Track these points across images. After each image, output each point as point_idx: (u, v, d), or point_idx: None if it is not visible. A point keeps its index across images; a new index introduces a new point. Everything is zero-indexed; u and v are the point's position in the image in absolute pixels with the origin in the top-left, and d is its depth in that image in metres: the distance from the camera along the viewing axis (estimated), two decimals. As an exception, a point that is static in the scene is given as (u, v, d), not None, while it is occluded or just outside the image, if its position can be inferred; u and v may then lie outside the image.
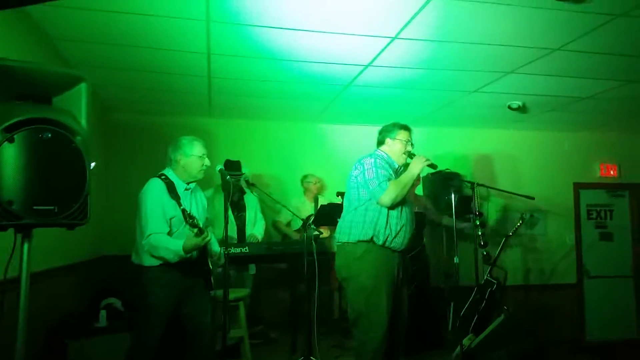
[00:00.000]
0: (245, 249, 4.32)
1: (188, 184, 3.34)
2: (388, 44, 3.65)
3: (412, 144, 3.50)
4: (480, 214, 4.69)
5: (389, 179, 3.25)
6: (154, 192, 3.19)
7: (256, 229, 5.15)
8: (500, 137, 6.72)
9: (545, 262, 6.74)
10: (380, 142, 3.52)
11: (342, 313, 5.62)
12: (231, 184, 3.24)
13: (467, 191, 5.33)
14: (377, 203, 3.22)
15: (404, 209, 3.32)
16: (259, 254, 4.42)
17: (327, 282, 5.78)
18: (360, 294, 3.17)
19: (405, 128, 3.50)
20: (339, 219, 4.94)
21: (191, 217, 3.01)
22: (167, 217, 3.17)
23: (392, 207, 3.22)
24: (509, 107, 5.38)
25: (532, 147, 6.83)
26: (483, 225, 4.75)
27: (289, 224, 5.78)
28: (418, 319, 4.73)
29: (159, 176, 3.29)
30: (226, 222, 3.20)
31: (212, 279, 3.33)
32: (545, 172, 6.80)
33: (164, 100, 5.20)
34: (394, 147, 3.45)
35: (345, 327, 5.32)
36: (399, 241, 3.27)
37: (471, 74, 4.34)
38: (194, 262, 3.22)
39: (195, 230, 3.00)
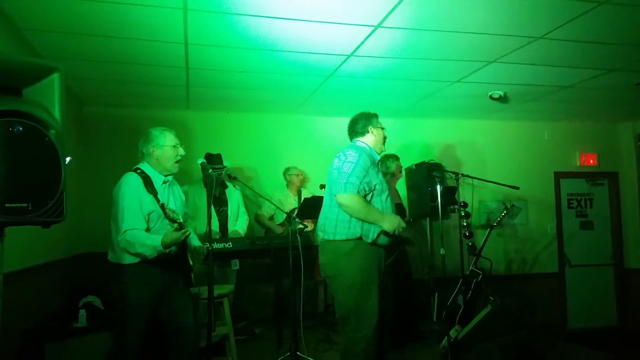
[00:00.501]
0: (229, 244, 4.22)
1: (165, 176, 3.23)
2: (371, 33, 3.58)
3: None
4: (465, 205, 4.67)
5: (358, 188, 3.08)
6: (130, 186, 3.06)
7: (238, 224, 5.05)
8: (481, 127, 6.73)
9: (527, 251, 6.79)
10: (361, 133, 3.38)
11: (327, 306, 5.58)
12: (213, 178, 3.13)
13: (450, 182, 5.31)
14: (333, 194, 3.13)
15: (387, 202, 3.24)
16: (242, 249, 4.33)
17: (311, 276, 5.74)
18: (350, 292, 3.07)
19: (377, 115, 3.45)
20: (321, 214, 4.94)
21: (171, 211, 2.93)
22: (145, 213, 3.05)
23: (382, 196, 3.16)
24: (491, 97, 5.37)
25: (512, 136, 6.86)
26: (468, 215, 4.73)
27: (271, 218, 5.70)
28: (401, 311, 4.73)
29: (135, 170, 3.17)
30: (209, 217, 3.10)
31: (192, 275, 3.22)
32: (525, 162, 6.84)
33: (140, 92, 5.06)
34: (379, 136, 3.37)
35: (331, 320, 5.29)
36: (386, 239, 3.20)
37: (454, 63, 4.30)
38: (173, 259, 3.10)
39: (175, 225, 2.89)
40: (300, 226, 4.30)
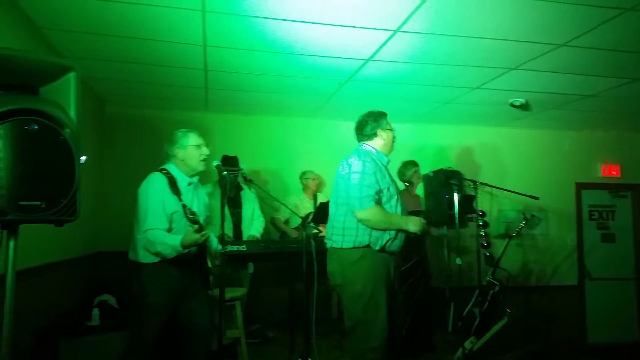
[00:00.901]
0: (243, 247, 4.21)
1: (191, 176, 3.26)
2: (390, 37, 3.55)
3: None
4: (483, 214, 4.59)
5: (374, 199, 3.00)
6: (154, 186, 3.08)
7: (254, 227, 5.04)
8: (501, 134, 6.64)
9: (546, 263, 6.66)
10: (369, 136, 3.25)
11: (340, 313, 5.52)
12: (228, 179, 3.13)
13: (468, 190, 5.23)
14: (339, 203, 3.07)
15: (398, 208, 3.14)
16: (256, 252, 4.31)
17: (324, 282, 5.69)
18: (358, 301, 2.98)
19: (386, 115, 3.31)
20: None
21: (192, 212, 2.92)
22: (168, 213, 3.06)
23: (390, 202, 3.08)
24: (512, 105, 5.30)
25: (533, 145, 6.75)
26: (486, 225, 4.65)
27: (287, 222, 5.68)
28: (418, 321, 4.65)
29: (160, 170, 3.19)
30: (222, 219, 3.09)
31: (210, 277, 3.22)
32: (546, 172, 6.72)
33: (160, 93, 5.09)
34: (387, 138, 3.24)
35: (344, 327, 5.24)
36: (397, 244, 3.13)
37: (474, 69, 4.25)
38: (192, 260, 3.11)
39: (196, 226, 2.90)
40: (315, 231, 4.26)
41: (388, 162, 3.29)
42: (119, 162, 5.46)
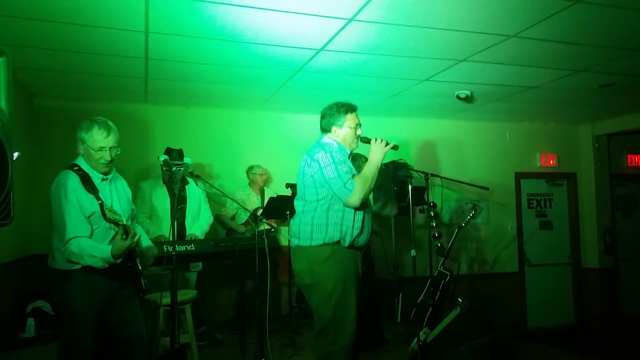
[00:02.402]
0: (191, 247, 4.00)
1: (104, 174, 2.87)
2: (344, 26, 3.44)
3: (360, 126, 3.18)
4: (434, 205, 4.61)
5: (353, 175, 2.95)
6: (67, 187, 2.70)
7: (198, 224, 4.78)
8: (445, 127, 6.74)
9: (488, 251, 6.84)
10: (325, 130, 3.16)
11: (291, 309, 5.43)
12: (177, 176, 2.91)
13: (415, 181, 5.25)
14: (344, 204, 2.93)
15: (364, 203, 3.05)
16: (206, 252, 4.12)
17: (274, 278, 5.58)
18: (328, 302, 2.88)
19: (352, 109, 3.14)
20: (287, 212, 4.77)
21: (113, 212, 2.58)
22: (86, 215, 2.71)
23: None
24: (457, 97, 5.36)
25: (474, 137, 6.89)
26: (437, 216, 4.67)
27: (233, 218, 5.51)
28: (365, 313, 4.62)
29: (71, 167, 2.81)
30: (173, 219, 2.88)
31: (143, 281, 2.91)
32: (487, 162, 6.90)
33: (96, 84, 4.76)
34: (343, 135, 3.11)
35: (296, 324, 5.16)
36: (364, 238, 3.05)
37: (425, 61, 4.23)
38: (120, 263, 2.74)
39: (117, 228, 2.57)
40: (267, 227, 4.13)
41: (350, 155, 3.18)
42: (51, 158, 5.06)
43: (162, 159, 3.09)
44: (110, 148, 2.82)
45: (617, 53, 4.09)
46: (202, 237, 4.72)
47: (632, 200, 7.47)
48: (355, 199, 2.88)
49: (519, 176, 7.07)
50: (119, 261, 2.67)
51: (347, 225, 2.95)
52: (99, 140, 2.79)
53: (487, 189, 4.81)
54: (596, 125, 7.09)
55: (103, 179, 2.87)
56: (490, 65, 4.36)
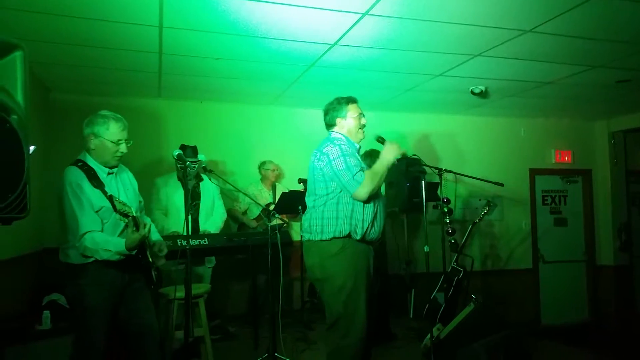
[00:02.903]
0: (204, 241, 4.02)
1: (110, 168, 2.90)
2: (358, 21, 3.42)
3: (364, 116, 3.22)
4: (448, 201, 4.57)
5: (362, 168, 2.98)
6: (74, 183, 2.73)
7: (212, 219, 4.79)
8: (459, 122, 6.69)
9: (502, 247, 6.80)
10: (330, 125, 3.20)
11: (303, 303, 5.45)
12: (192, 172, 2.92)
13: (429, 177, 5.22)
14: (352, 197, 2.93)
15: (376, 195, 3.06)
16: (218, 246, 4.13)
17: (287, 272, 5.59)
18: (338, 296, 2.89)
19: (352, 101, 3.20)
20: (300, 207, 4.77)
21: (122, 203, 2.60)
22: (95, 210, 2.74)
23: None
24: (472, 92, 5.31)
25: (489, 132, 6.85)
26: (450, 212, 4.64)
27: (245, 213, 5.52)
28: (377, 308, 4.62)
29: (76, 163, 2.83)
30: (187, 214, 2.89)
31: (153, 273, 2.91)
32: (502, 158, 6.85)
33: (110, 79, 4.78)
34: (348, 126, 3.14)
35: (308, 318, 5.18)
36: (376, 231, 3.04)
37: (439, 56, 4.20)
38: (131, 256, 2.77)
39: (127, 220, 2.59)
40: (280, 222, 4.14)
41: (359, 149, 3.21)
42: (65, 152, 5.00)
43: (176, 153, 3.09)
44: (125, 140, 2.88)
45: (634, 48, 4.03)
46: (217, 232, 4.73)
47: (648, 197, 7.39)
48: (363, 191, 2.89)
49: (534, 172, 7.01)
50: (133, 253, 2.70)
51: (357, 218, 2.95)
52: (117, 133, 2.84)
53: (502, 185, 4.76)
54: (612, 121, 7.01)
55: (109, 173, 2.90)
56: (505, 60, 4.32)
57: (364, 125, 3.21)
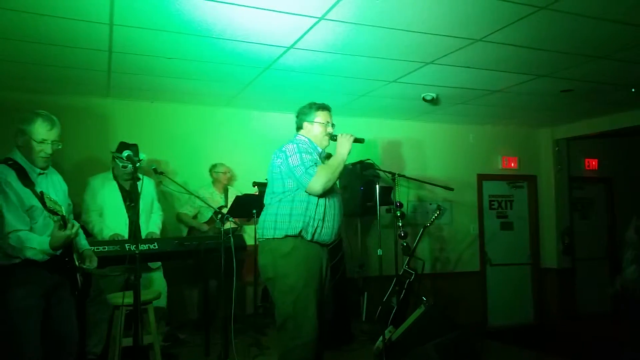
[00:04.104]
0: (154, 246, 3.91)
1: (42, 169, 2.82)
2: (314, 25, 3.43)
3: (332, 125, 3.25)
4: (401, 205, 4.65)
5: (316, 164, 3.00)
6: (2, 181, 2.63)
7: (152, 221, 4.63)
8: (410, 128, 6.80)
9: (451, 251, 6.95)
10: (299, 127, 3.25)
11: (256, 308, 5.39)
12: (138, 170, 2.84)
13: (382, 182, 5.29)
14: (306, 191, 2.95)
15: (331, 197, 3.08)
16: (169, 250, 4.03)
17: (239, 277, 5.51)
18: (288, 296, 2.89)
19: (323, 108, 3.23)
20: (254, 211, 4.73)
21: (52, 201, 2.55)
22: (24, 209, 2.66)
23: (322, 194, 2.98)
24: (424, 99, 5.41)
25: (439, 138, 6.98)
26: (403, 216, 4.72)
27: (195, 217, 5.40)
28: (336, 312, 4.63)
29: (5, 161, 2.72)
30: (134, 217, 2.81)
31: (79, 278, 2.83)
32: (451, 163, 7.00)
33: (57, 77, 4.58)
34: (314, 131, 3.18)
35: (261, 323, 5.12)
36: (329, 232, 3.03)
37: (393, 62, 4.26)
38: (57, 258, 2.69)
39: (57, 218, 2.55)
40: (234, 225, 4.08)
41: (321, 154, 3.22)
42: (4, 152, 4.86)
43: (126, 154, 2.99)
44: (52, 142, 2.78)
45: (578, 59, 4.21)
46: (159, 233, 4.62)
47: (589, 203, 7.74)
48: (317, 184, 2.91)
49: (481, 178, 7.20)
50: (58, 253, 2.64)
51: (310, 216, 2.96)
52: (42, 132, 2.75)
53: (452, 189, 4.89)
54: (556, 129, 7.30)
55: (40, 173, 2.81)
56: (456, 69, 4.43)
57: (330, 134, 3.23)
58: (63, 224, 2.55)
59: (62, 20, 3.28)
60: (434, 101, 5.48)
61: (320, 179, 2.91)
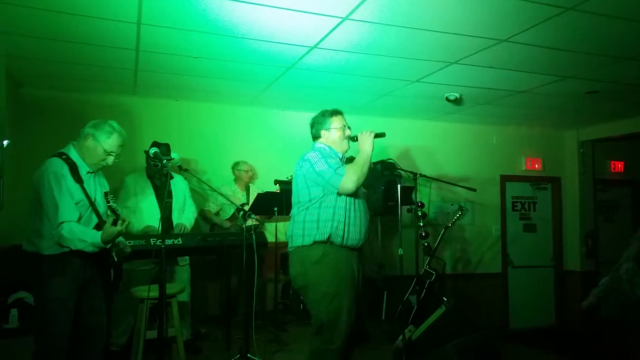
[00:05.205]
0: (178, 241, 3.98)
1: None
2: (338, 25, 3.45)
3: (349, 127, 3.29)
4: (422, 205, 4.64)
5: (343, 164, 3.04)
6: (57, 174, 2.80)
7: (185, 216, 4.75)
8: (433, 128, 6.78)
9: (472, 252, 6.91)
10: (316, 137, 3.29)
11: (276, 304, 5.44)
12: (168, 169, 2.91)
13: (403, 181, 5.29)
14: (338, 192, 2.97)
15: (357, 201, 3.11)
16: (193, 246, 4.10)
17: (260, 274, 5.57)
18: (321, 303, 2.92)
19: (337, 113, 3.27)
20: (275, 208, 4.78)
21: (112, 198, 2.80)
22: (75, 202, 2.82)
23: (350, 194, 3.02)
24: (447, 99, 5.39)
25: (462, 139, 6.95)
26: (424, 216, 4.71)
27: (217, 214, 5.47)
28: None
29: (59, 155, 2.89)
30: (162, 212, 2.89)
31: (112, 272, 2.97)
32: (474, 164, 6.96)
33: (85, 75, 4.69)
34: (332, 137, 3.22)
35: (281, 320, 5.17)
36: (356, 236, 3.05)
37: (416, 62, 4.26)
38: (98, 252, 2.84)
39: (110, 216, 2.75)
40: (255, 222, 4.13)
41: (342, 159, 3.26)
42: (37, 148, 4.97)
43: (153, 151, 3.07)
44: (116, 155, 3.01)
45: (605, 60, 4.16)
46: (190, 228, 4.70)
47: (614, 206, 7.62)
48: (349, 182, 2.94)
49: (504, 179, 7.15)
50: (108, 246, 2.80)
51: (338, 220, 2.99)
52: (113, 146, 2.98)
53: (475, 190, 4.87)
54: (581, 131, 7.20)
55: (89, 172, 2.96)
56: (480, 69, 4.40)
57: (348, 136, 3.26)
58: (115, 220, 2.73)
59: (92, 19, 3.36)
60: (457, 101, 5.46)
61: (351, 176, 2.95)
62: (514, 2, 3.07)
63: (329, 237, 2.97)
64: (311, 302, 3.01)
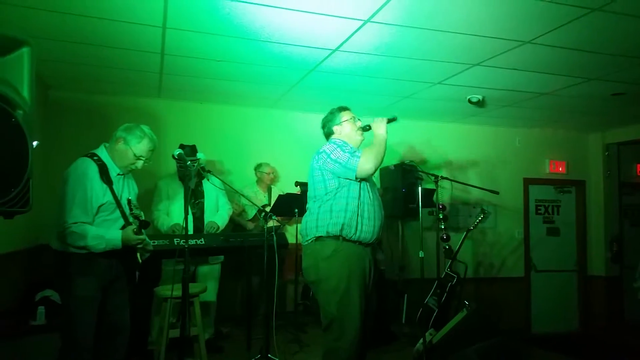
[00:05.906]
0: (201, 241, 4.03)
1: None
2: (360, 27, 3.46)
3: (359, 119, 3.31)
4: (444, 208, 4.62)
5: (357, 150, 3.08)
6: (83, 174, 2.86)
7: (219, 214, 4.79)
8: (455, 130, 6.74)
9: (495, 255, 6.85)
10: (329, 134, 3.31)
11: (296, 306, 5.47)
12: (192, 170, 2.96)
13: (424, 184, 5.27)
14: (357, 176, 2.98)
15: (371, 195, 3.10)
16: (215, 246, 4.15)
17: (280, 275, 5.60)
18: (332, 298, 2.92)
19: (344, 108, 3.31)
20: (296, 210, 4.80)
21: (137, 207, 2.84)
22: (95, 205, 2.86)
23: (365, 188, 3.04)
24: (469, 101, 5.35)
25: (485, 142, 6.90)
26: (445, 219, 4.69)
27: (240, 214, 5.52)
28: (374, 313, 4.65)
29: (90, 156, 2.95)
30: (186, 213, 2.92)
31: (137, 273, 3.04)
32: (496, 167, 6.90)
33: (111, 78, 4.79)
34: (345, 130, 3.23)
35: (301, 321, 5.20)
36: (370, 230, 3.03)
37: (438, 64, 4.24)
38: (122, 252, 2.90)
39: (138, 223, 2.80)
40: (277, 223, 4.16)
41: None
42: (64, 150, 5.10)
43: (177, 153, 3.12)
44: (146, 160, 3.07)
45: (631, 62, 4.09)
46: (223, 227, 4.74)
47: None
48: (367, 162, 2.96)
49: (528, 182, 7.07)
50: (119, 248, 2.85)
51: (352, 211, 2.98)
52: (144, 151, 3.04)
53: (497, 193, 4.83)
54: (607, 133, 7.08)
55: (119, 174, 3.03)
56: (503, 71, 4.37)
57: (360, 127, 3.27)
58: (139, 230, 2.81)
59: (118, 23, 3.43)
60: (480, 103, 5.41)
61: (369, 157, 2.97)
62: (539, 4, 3.05)
63: (342, 228, 2.95)
64: (322, 297, 3.01)
